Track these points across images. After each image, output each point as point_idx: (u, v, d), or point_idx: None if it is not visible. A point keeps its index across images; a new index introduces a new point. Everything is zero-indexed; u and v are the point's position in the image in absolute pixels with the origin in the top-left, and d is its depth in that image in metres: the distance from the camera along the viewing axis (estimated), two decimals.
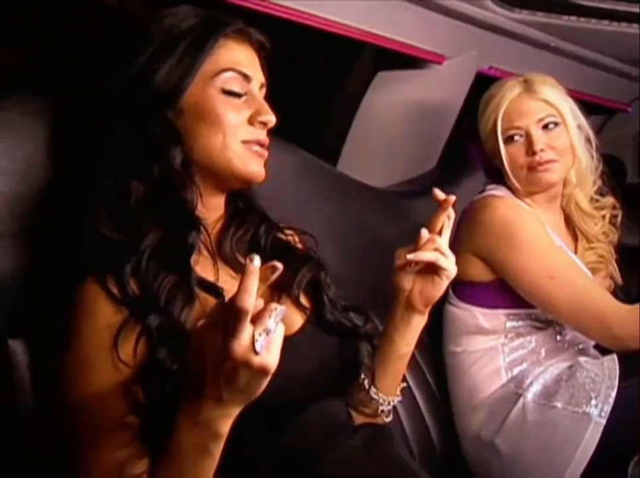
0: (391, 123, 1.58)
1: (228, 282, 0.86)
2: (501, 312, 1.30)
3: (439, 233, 0.90)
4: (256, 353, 0.64)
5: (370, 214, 1.47)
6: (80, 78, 0.93)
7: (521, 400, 1.24)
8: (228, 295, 0.80)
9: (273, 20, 1.18)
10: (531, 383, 1.25)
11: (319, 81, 1.55)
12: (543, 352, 1.31)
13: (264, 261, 0.89)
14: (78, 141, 0.88)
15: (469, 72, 1.57)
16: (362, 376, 0.94)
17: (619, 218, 1.44)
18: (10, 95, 0.91)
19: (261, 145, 0.87)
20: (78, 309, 0.77)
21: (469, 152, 1.43)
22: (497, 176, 1.36)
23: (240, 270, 0.87)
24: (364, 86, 1.53)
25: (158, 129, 0.83)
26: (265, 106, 0.87)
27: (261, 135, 0.87)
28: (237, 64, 0.86)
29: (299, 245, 1.00)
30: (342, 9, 1.26)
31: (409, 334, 0.95)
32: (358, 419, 0.94)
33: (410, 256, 0.89)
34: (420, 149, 1.64)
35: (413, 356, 1.41)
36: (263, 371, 0.65)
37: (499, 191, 1.33)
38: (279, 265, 0.66)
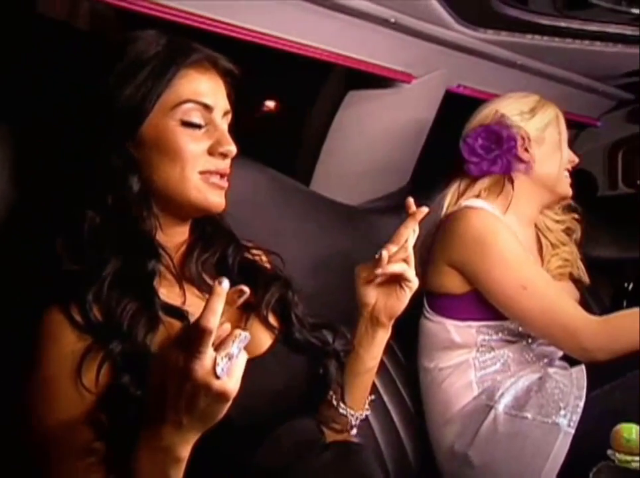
0: (362, 141, 1.60)
1: (195, 304, 0.86)
2: (474, 324, 1.32)
3: (404, 245, 0.93)
4: (217, 377, 0.65)
5: (342, 232, 1.49)
6: (43, 102, 0.93)
7: (493, 412, 1.26)
8: (194, 318, 0.81)
9: (242, 42, 1.20)
10: (502, 394, 1.27)
11: (289, 101, 1.57)
12: (514, 364, 1.33)
13: (232, 281, 0.91)
14: (39, 167, 0.89)
15: (437, 91, 1.60)
16: (331, 392, 0.96)
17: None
18: None
19: (221, 176, 0.88)
20: (42, 337, 0.78)
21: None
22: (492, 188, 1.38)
23: (208, 291, 0.88)
24: (335, 105, 1.55)
25: (116, 158, 0.83)
26: (226, 136, 0.88)
27: (221, 165, 0.88)
28: (198, 94, 0.86)
29: (267, 265, 1.01)
30: (312, 32, 1.28)
31: (374, 348, 0.97)
32: (329, 436, 0.95)
33: (379, 271, 0.90)
34: (392, 167, 1.66)
35: (387, 371, 1.45)
36: (223, 396, 0.66)
37: (477, 203, 1.36)
38: (246, 289, 0.67)
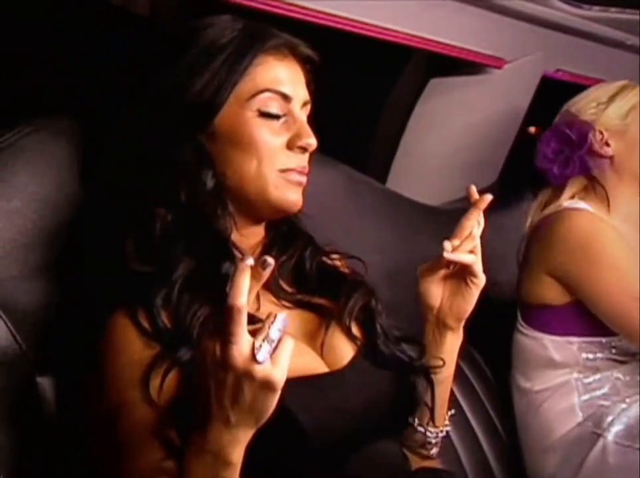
0: (445, 134, 1.58)
1: (270, 310, 0.86)
2: (575, 340, 1.29)
3: (469, 237, 0.91)
4: (258, 363, 0.64)
5: (422, 234, 1.46)
6: (111, 95, 0.96)
7: (601, 441, 1.22)
8: None
9: (315, 27, 1.20)
10: (612, 422, 1.24)
11: (364, 90, 1.57)
12: (624, 388, 1.29)
13: (311, 287, 0.92)
14: (108, 164, 0.91)
15: (532, 76, 1.56)
16: (419, 414, 0.94)
17: None
18: (39, 116, 0.95)
19: (300, 172, 0.88)
20: (108, 344, 0.79)
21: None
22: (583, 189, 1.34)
23: (285, 297, 0.90)
24: (415, 95, 1.54)
25: (188, 152, 0.84)
26: (306, 128, 0.87)
27: (301, 162, 0.88)
28: (276, 83, 0.86)
29: (346, 270, 1.00)
30: (387, 12, 1.27)
31: (445, 355, 0.95)
32: (415, 462, 0.94)
33: (449, 255, 0.89)
34: (478, 163, 1.63)
35: (473, 389, 1.42)
36: (268, 384, 0.65)
37: (577, 204, 1.32)
38: (271, 260, 0.66)
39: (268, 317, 0.67)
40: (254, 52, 0.85)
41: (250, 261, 0.65)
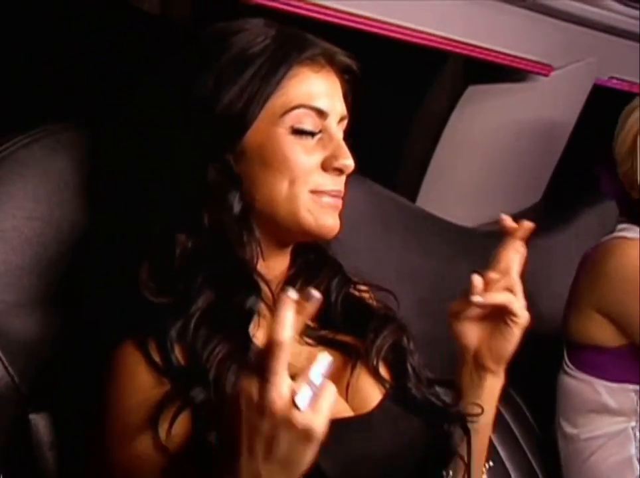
0: (483, 148, 1.59)
1: (293, 348, 0.84)
2: (632, 388, 1.27)
3: (506, 272, 0.91)
4: (298, 409, 0.63)
5: (456, 259, 1.46)
6: (121, 102, 0.96)
7: None
8: (293, 366, 0.81)
9: (337, 29, 1.21)
10: None
11: (393, 99, 1.57)
12: None
13: (335, 321, 0.92)
14: (115, 178, 0.91)
15: (583, 85, 1.57)
16: (453, 466, 0.92)
17: None
18: (37, 124, 0.95)
19: (335, 197, 0.87)
20: (113, 377, 0.79)
21: (598, 179, 1.41)
22: (633, 211, 1.33)
23: (311, 335, 0.90)
24: (450, 104, 1.55)
25: (214, 173, 0.84)
26: (343, 148, 0.87)
27: (336, 185, 0.87)
28: (311, 98, 0.85)
29: (374, 303, 0.99)
30: (421, 14, 1.28)
31: (484, 400, 0.94)
32: None
33: (477, 298, 0.89)
34: (521, 179, 1.64)
35: (512, 435, 1.41)
36: (308, 434, 0.64)
37: (633, 232, 1.31)
38: (317, 294, 0.66)
39: (311, 358, 0.66)
40: (289, 64, 0.85)
41: (294, 294, 0.65)
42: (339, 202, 0.88)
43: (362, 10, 1.22)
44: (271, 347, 0.64)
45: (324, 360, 0.66)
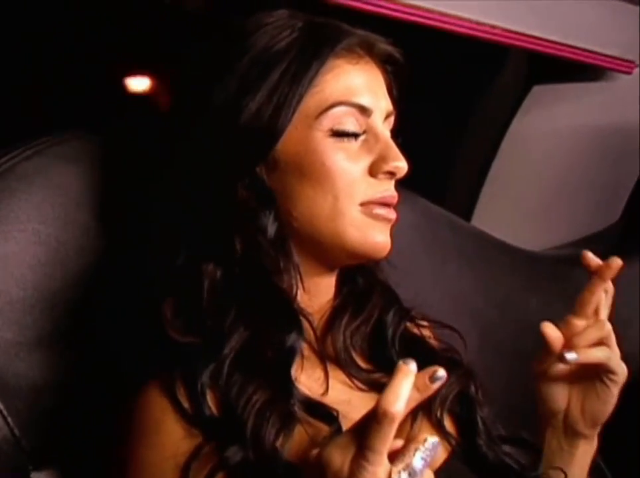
0: (551, 158, 1.58)
1: (341, 396, 0.86)
2: None
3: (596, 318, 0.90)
4: None
5: (520, 288, 1.46)
6: (135, 108, 0.97)
7: None
8: (343, 417, 0.80)
9: (381, 21, 1.22)
10: None
11: (446, 102, 1.58)
12: None
13: (391, 362, 0.89)
14: (130, 196, 0.92)
15: None
16: None
17: None
18: (42, 134, 0.96)
19: (388, 205, 0.87)
20: (134, 427, 0.79)
21: None
22: None
23: (358, 376, 0.89)
24: (512, 106, 1.55)
25: (243, 190, 0.84)
26: (393, 148, 0.87)
27: (388, 191, 0.87)
28: (351, 93, 0.86)
29: (434, 342, 1.00)
30: (479, 3, 1.28)
31: (575, 469, 0.93)
32: None
33: (571, 356, 0.88)
34: (595, 196, 1.63)
35: None
36: None
37: None
38: (443, 373, 0.66)
39: (417, 439, 0.66)
40: (322, 57, 0.85)
41: (414, 366, 0.66)
42: (393, 214, 0.88)
43: (438, 6, 1.23)
44: (376, 418, 0.64)
45: (431, 444, 0.66)
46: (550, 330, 0.89)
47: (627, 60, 1.47)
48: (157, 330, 0.82)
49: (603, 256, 1.59)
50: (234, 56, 0.86)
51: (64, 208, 0.93)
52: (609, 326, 0.89)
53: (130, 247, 0.90)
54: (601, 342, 0.88)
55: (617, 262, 0.90)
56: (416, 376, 0.65)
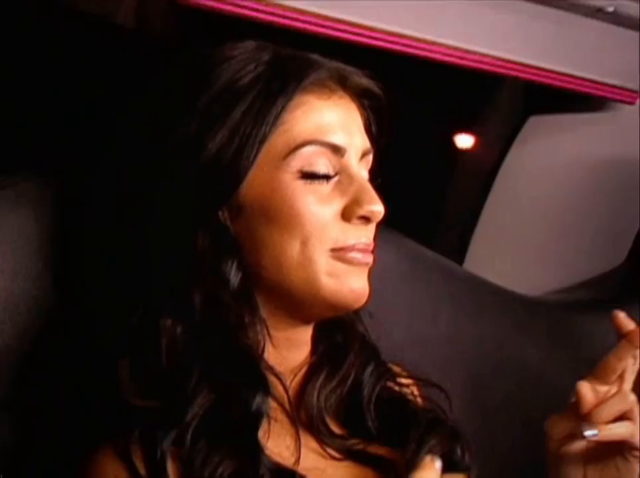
0: (549, 194, 1.59)
1: (313, 462, 0.86)
2: None
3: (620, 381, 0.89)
4: None
5: (516, 336, 1.45)
6: (92, 146, 0.97)
7: None
8: None
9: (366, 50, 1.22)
10: None
11: (436, 134, 1.58)
12: None
13: (368, 426, 0.91)
14: (85, 244, 0.92)
15: None
16: None
17: None
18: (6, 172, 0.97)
19: (364, 251, 0.87)
20: None
21: None
22: None
23: (331, 444, 0.89)
24: (506, 140, 1.56)
25: (204, 237, 0.84)
26: (368, 190, 0.87)
27: (363, 237, 0.87)
28: (322, 132, 0.86)
29: (419, 400, 0.99)
30: (472, 32, 1.29)
31: None
32: None
33: (588, 433, 0.85)
34: (597, 236, 1.64)
35: None
36: None
37: None
38: (439, 465, 0.68)
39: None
40: (288, 93, 0.85)
41: (439, 464, 0.70)
42: (369, 258, 0.87)
43: (401, 27, 1.23)
44: None
45: None
46: (586, 391, 0.87)
47: (629, 89, 1.48)
48: (112, 391, 0.81)
49: (606, 304, 1.59)
50: (195, 91, 0.86)
51: (14, 255, 0.93)
52: (633, 397, 0.88)
53: (84, 299, 0.90)
54: (623, 415, 0.87)
55: None
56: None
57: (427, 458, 0.68)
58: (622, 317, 0.90)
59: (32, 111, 1.35)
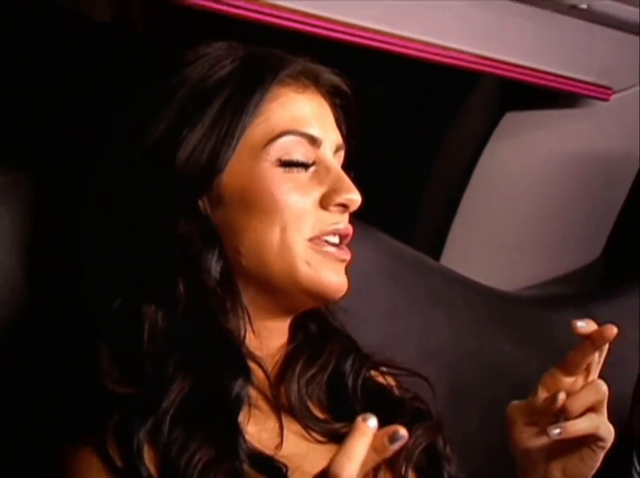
0: (526, 189, 1.60)
1: (296, 449, 0.86)
2: None
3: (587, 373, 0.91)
4: None
5: (493, 331, 1.47)
6: (68, 143, 0.97)
7: None
8: (296, 470, 0.81)
9: (344, 47, 1.23)
10: None
11: (412, 131, 1.58)
12: None
13: (352, 412, 0.90)
14: (67, 238, 0.92)
15: None
16: None
17: None
18: None
19: (340, 240, 0.89)
20: None
21: None
22: None
23: (316, 428, 0.90)
24: (482, 136, 1.57)
25: (185, 226, 0.85)
26: (345, 179, 0.89)
27: (340, 224, 0.89)
28: (299, 123, 0.88)
29: (399, 391, 1.00)
30: (448, 28, 1.30)
31: None
32: None
33: (555, 432, 0.87)
34: (574, 230, 1.65)
35: None
36: None
37: None
38: (404, 433, 0.66)
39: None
40: (265, 85, 0.87)
41: (374, 423, 0.66)
42: (346, 254, 0.90)
43: (379, 24, 1.23)
44: None
45: None
46: (561, 394, 0.88)
47: (603, 86, 1.49)
48: (89, 381, 0.81)
49: (581, 299, 1.60)
50: (172, 86, 0.88)
51: None
52: (605, 388, 0.89)
53: (63, 289, 0.90)
54: (591, 408, 0.88)
55: (611, 331, 0.89)
56: (374, 435, 0.65)
57: (359, 419, 0.66)
58: (580, 326, 0.90)
59: (4, 105, 1.35)
